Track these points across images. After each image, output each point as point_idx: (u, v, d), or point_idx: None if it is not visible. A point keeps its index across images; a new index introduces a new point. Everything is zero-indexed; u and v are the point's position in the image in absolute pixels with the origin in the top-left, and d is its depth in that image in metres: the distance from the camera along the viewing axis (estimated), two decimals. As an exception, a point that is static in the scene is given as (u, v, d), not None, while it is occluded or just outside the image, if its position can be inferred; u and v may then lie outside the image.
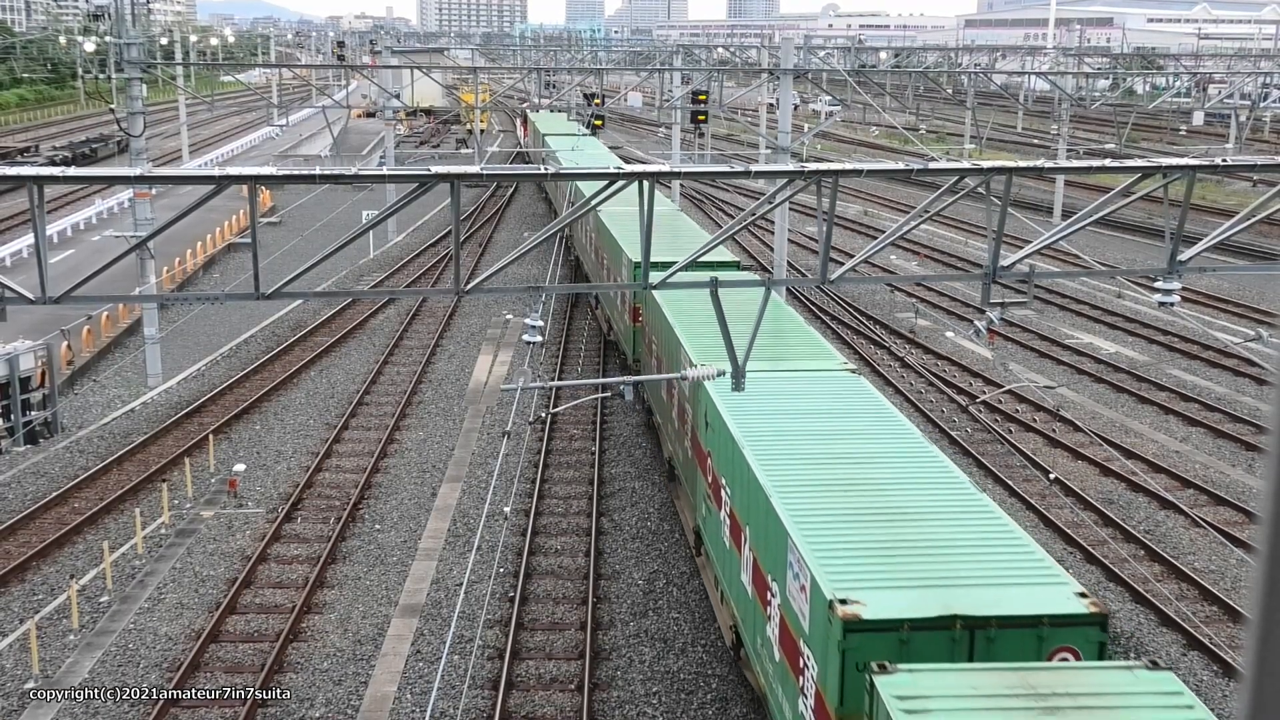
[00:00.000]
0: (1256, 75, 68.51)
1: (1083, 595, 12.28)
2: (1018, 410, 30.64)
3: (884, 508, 14.32)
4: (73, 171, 12.80)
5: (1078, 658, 11.87)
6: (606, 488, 25.74)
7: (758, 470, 15.40)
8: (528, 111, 75.76)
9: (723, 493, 17.62)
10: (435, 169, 13.26)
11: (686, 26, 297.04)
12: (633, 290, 25.60)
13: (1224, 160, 16.80)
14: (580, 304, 41.94)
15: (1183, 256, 15.12)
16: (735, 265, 29.70)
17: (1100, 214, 15.93)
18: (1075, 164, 18.95)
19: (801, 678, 13.15)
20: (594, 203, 14.29)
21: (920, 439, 17.22)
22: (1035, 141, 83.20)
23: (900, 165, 15.35)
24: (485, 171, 14.25)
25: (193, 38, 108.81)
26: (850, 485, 15.05)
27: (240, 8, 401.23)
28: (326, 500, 25.04)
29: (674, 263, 14.58)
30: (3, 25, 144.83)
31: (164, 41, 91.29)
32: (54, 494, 24.93)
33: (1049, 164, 16.51)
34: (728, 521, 17.36)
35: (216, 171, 12.92)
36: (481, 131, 78.08)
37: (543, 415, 29.17)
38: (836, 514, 14.14)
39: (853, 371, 20.70)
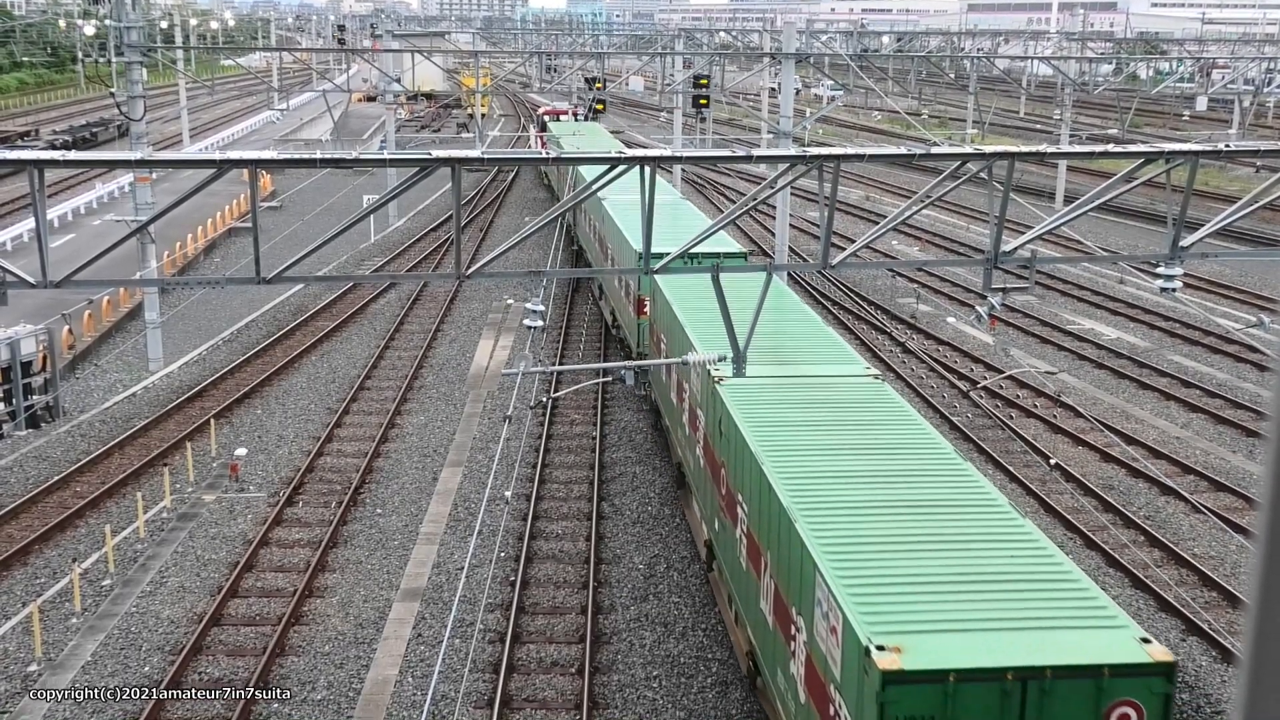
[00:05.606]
0: (1260, 60, 68.36)
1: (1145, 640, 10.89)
2: (1019, 396, 30.65)
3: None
4: (73, 155, 12.80)
5: (1140, 714, 10.75)
6: (607, 472, 25.77)
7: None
8: (546, 119, 68.00)
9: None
10: (436, 153, 13.24)
11: (688, 10, 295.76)
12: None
13: (1227, 146, 16.78)
14: (582, 288, 41.89)
15: (1185, 242, 15.11)
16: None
17: (1102, 199, 15.91)
18: (1078, 149, 18.92)
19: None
20: (595, 188, 14.28)
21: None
22: (1038, 127, 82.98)
23: (902, 150, 15.33)
24: (487, 156, 14.24)
25: (193, 21, 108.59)
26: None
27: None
28: (328, 484, 25.07)
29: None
30: (2, 9, 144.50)
31: (164, 25, 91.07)
32: (56, 478, 24.97)
33: (1051, 149, 16.49)
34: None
35: (217, 155, 12.91)
36: (483, 116, 77.80)
37: (544, 400, 29.18)
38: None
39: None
